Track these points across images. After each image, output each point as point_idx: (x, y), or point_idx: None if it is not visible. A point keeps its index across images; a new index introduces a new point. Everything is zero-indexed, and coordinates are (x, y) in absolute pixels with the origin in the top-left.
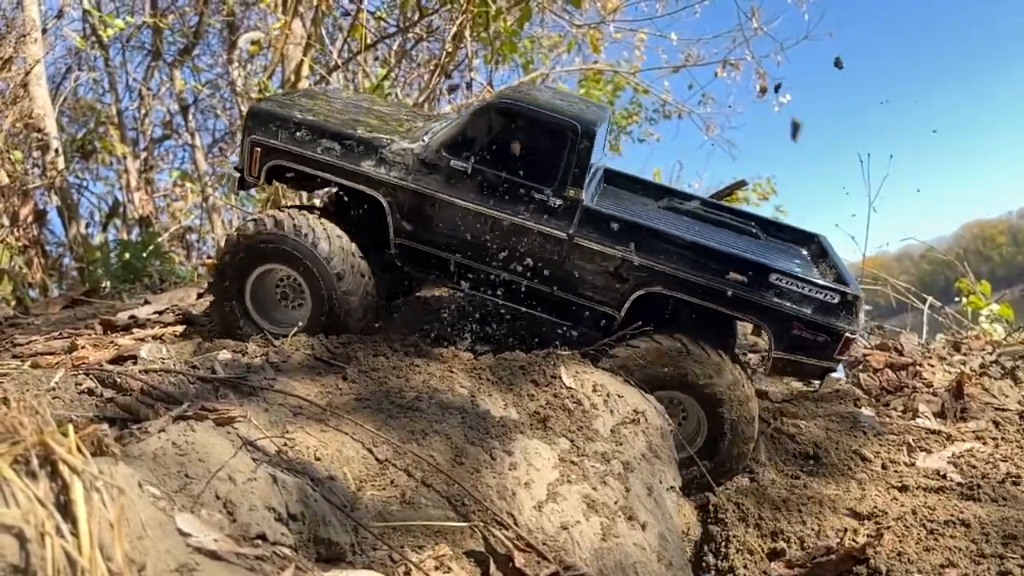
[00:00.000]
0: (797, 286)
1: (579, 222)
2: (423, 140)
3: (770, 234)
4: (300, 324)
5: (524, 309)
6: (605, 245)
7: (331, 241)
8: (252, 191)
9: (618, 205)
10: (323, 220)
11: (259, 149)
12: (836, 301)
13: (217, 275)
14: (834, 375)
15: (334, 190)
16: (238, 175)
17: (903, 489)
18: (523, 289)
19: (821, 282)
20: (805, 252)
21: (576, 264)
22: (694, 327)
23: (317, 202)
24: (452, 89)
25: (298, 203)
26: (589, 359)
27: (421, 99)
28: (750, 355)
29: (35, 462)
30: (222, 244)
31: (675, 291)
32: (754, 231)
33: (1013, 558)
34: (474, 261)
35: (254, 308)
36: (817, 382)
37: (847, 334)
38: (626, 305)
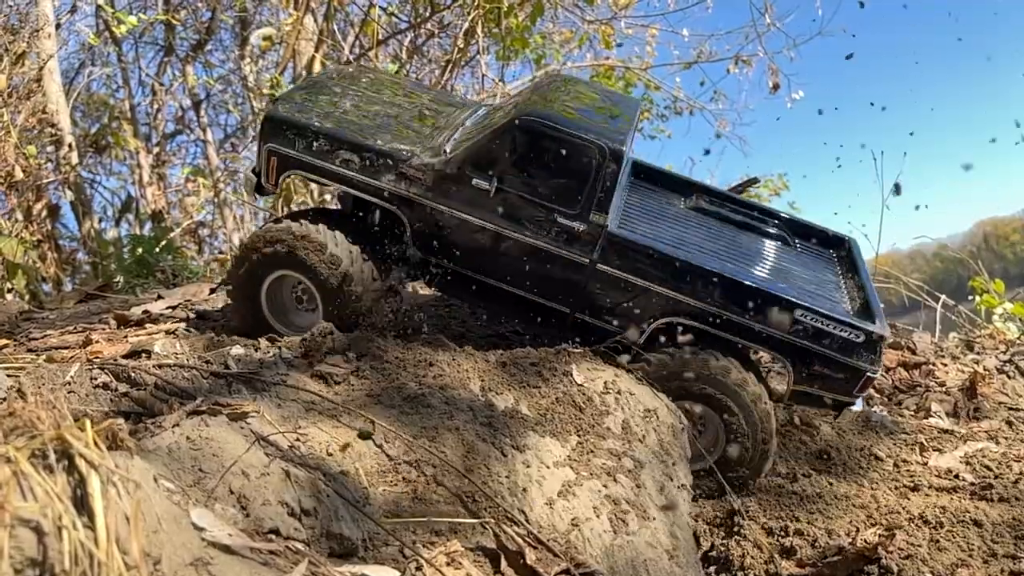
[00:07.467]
0: (822, 323)
1: (602, 249)
2: (444, 154)
3: (799, 237)
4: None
5: (541, 328)
6: (628, 274)
7: (342, 249)
8: None
9: (643, 205)
10: (334, 230)
11: (276, 158)
12: (860, 340)
13: (233, 277)
14: (853, 408)
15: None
16: (255, 179)
17: (915, 489)
18: (541, 309)
19: (847, 320)
20: (836, 260)
21: (597, 290)
22: (710, 344)
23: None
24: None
25: (311, 204)
26: (600, 356)
27: None
28: (762, 353)
29: (52, 456)
30: (242, 244)
31: (697, 322)
32: (785, 236)
33: None
34: (492, 279)
35: (270, 311)
36: (835, 413)
37: (868, 374)
38: (646, 332)
